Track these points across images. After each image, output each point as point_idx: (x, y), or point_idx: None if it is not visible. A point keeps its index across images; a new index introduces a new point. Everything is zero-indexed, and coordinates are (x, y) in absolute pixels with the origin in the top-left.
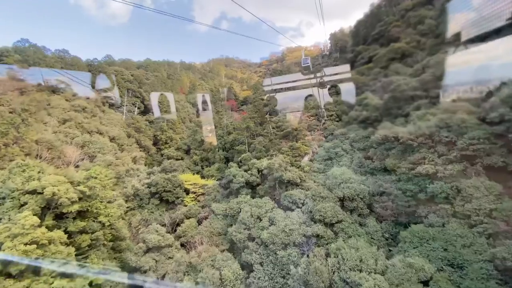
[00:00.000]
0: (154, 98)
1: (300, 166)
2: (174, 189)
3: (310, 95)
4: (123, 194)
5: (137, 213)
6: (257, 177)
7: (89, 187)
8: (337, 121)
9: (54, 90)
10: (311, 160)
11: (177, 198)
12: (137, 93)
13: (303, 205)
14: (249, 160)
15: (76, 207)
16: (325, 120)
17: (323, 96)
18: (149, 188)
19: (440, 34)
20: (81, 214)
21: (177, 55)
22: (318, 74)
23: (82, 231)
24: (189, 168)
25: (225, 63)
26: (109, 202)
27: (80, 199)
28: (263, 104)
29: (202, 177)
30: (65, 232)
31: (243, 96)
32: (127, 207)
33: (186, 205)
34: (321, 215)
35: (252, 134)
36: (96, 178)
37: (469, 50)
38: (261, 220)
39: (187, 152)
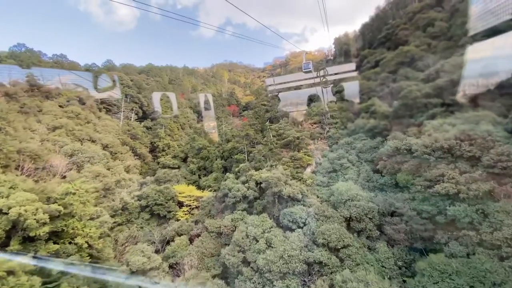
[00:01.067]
0: (156, 98)
1: (302, 178)
2: (166, 202)
3: (314, 95)
4: (111, 207)
5: (125, 229)
6: (255, 191)
7: (65, 204)
8: (342, 129)
9: (47, 96)
10: (314, 172)
11: (169, 212)
12: (135, 99)
13: (304, 225)
14: (247, 170)
15: (46, 229)
16: (329, 128)
17: (327, 95)
18: (140, 201)
19: (452, 36)
20: (56, 235)
21: (181, 60)
22: (322, 73)
23: (55, 255)
24: (185, 178)
25: (228, 68)
26: (90, 219)
27: (55, 217)
28: (265, 110)
29: (199, 187)
30: (35, 257)
31: (245, 101)
32: (114, 222)
33: (178, 220)
34: (324, 239)
35: (252, 142)
36: (74, 194)
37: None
38: (257, 241)
39: (185, 160)
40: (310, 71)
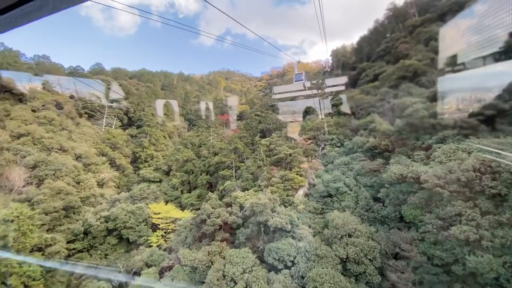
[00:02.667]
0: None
1: (292, 203)
2: (138, 225)
3: (310, 107)
4: (71, 231)
5: (86, 257)
6: (238, 217)
7: None
8: (339, 146)
9: (21, 99)
10: (306, 195)
11: (140, 237)
12: (120, 105)
13: (293, 265)
14: (233, 190)
15: None
16: (324, 145)
17: (324, 108)
18: (107, 222)
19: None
20: None
21: (181, 68)
22: (318, 85)
23: None
24: (166, 194)
25: (225, 76)
26: (36, 250)
27: None
28: (258, 121)
29: (180, 205)
30: None
31: (239, 111)
32: (73, 249)
33: (151, 245)
34: (315, 286)
35: (241, 156)
36: (13, 221)
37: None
38: (236, 283)
39: (168, 173)
40: (302, 84)
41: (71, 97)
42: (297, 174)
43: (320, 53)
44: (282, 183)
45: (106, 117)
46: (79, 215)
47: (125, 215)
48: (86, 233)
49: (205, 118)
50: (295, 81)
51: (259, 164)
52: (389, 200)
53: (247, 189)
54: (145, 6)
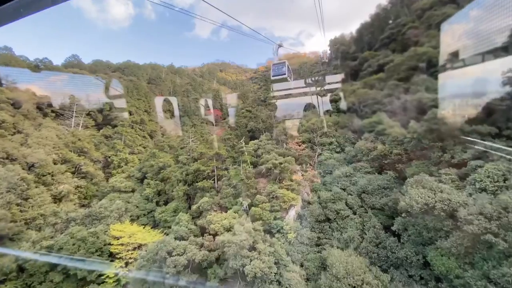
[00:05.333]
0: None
1: (281, 229)
2: (90, 256)
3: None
4: (0, 269)
5: None
6: (211, 250)
7: None
8: (339, 152)
9: None
10: (299, 217)
11: (92, 272)
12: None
13: None
14: (209, 209)
15: None
16: (322, 150)
17: (322, 105)
18: (49, 254)
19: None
20: None
21: (175, 61)
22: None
23: None
24: (137, 207)
25: (220, 68)
26: None
27: None
28: (249, 118)
29: (154, 222)
30: None
31: (231, 105)
32: None
33: (104, 281)
34: None
35: (225, 162)
36: None
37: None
38: None
39: (143, 181)
40: (284, 78)
41: (36, 94)
42: (287, 189)
43: (318, 44)
44: (269, 201)
45: (76, 116)
46: (20, 241)
47: (73, 245)
48: (21, 269)
49: (193, 114)
50: (273, 76)
51: (242, 177)
52: (408, 236)
53: (228, 208)
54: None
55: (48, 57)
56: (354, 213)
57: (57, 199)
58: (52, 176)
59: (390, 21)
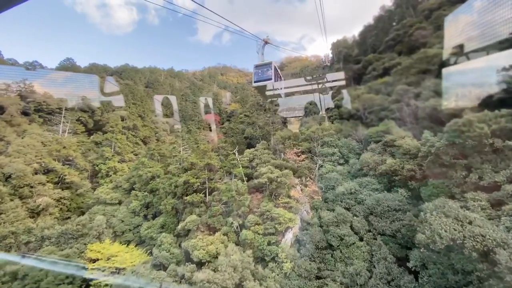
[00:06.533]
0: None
1: (276, 256)
2: (59, 285)
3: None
4: None
5: None
6: (191, 284)
7: None
8: (342, 163)
9: None
10: (297, 241)
11: None
12: (84, 107)
13: None
14: (196, 229)
15: None
16: (323, 161)
17: (324, 103)
18: (12, 282)
19: None
20: None
21: (177, 65)
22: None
23: None
24: (122, 221)
25: (221, 72)
26: None
27: None
28: (247, 124)
29: (140, 238)
30: None
31: (231, 109)
32: None
33: None
34: None
35: (217, 172)
36: None
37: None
38: None
39: (131, 192)
40: (263, 86)
41: (23, 98)
42: (284, 207)
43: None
44: (263, 222)
45: (66, 122)
46: None
47: (41, 271)
48: None
49: (189, 119)
50: (255, 82)
51: (232, 194)
52: (428, 276)
53: (217, 228)
54: (143, 4)
55: (48, 61)
56: (361, 239)
57: (35, 213)
58: (31, 187)
59: (395, 23)
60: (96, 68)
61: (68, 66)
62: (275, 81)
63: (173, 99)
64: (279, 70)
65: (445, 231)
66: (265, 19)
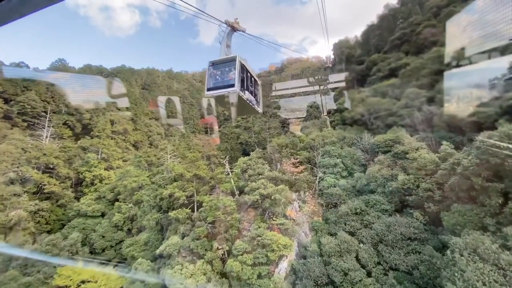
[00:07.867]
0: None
1: None
2: None
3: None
4: None
5: None
6: None
7: None
8: (345, 176)
9: None
10: (293, 272)
11: None
12: (71, 110)
13: None
14: (177, 254)
15: None
16: (324, 173)
17: (326, 105)
18: None
19: None
20: None
21: (177, 67)
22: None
23: None
24: (103, 237)
25: None
26: None
27: None
28: (243, 128)
29: (122, 256)
30: None
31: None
32: None
33: None
34: None
35: (204, 184)
36: None
37: None
38: None
39: (115, 203)
40: (226, 90)
41: (7, 101)
42: (280, 229)
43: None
44: (252, 249)
45: (52, 126)
46: None
47: None
48: None
49: (184, 122)
50: (208, 90)
51: (218, 214)
52: None
53: (201, 255)
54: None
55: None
56: (369, 274)
57: (7, 228)
58: (4, 199)
59: (400, 22)
60: (90, 69)
61: (59, 67)
62: (242, 88)
63: (176, 100)
64: (251, 70)
65: (483, 283)
66: (266, 21)
